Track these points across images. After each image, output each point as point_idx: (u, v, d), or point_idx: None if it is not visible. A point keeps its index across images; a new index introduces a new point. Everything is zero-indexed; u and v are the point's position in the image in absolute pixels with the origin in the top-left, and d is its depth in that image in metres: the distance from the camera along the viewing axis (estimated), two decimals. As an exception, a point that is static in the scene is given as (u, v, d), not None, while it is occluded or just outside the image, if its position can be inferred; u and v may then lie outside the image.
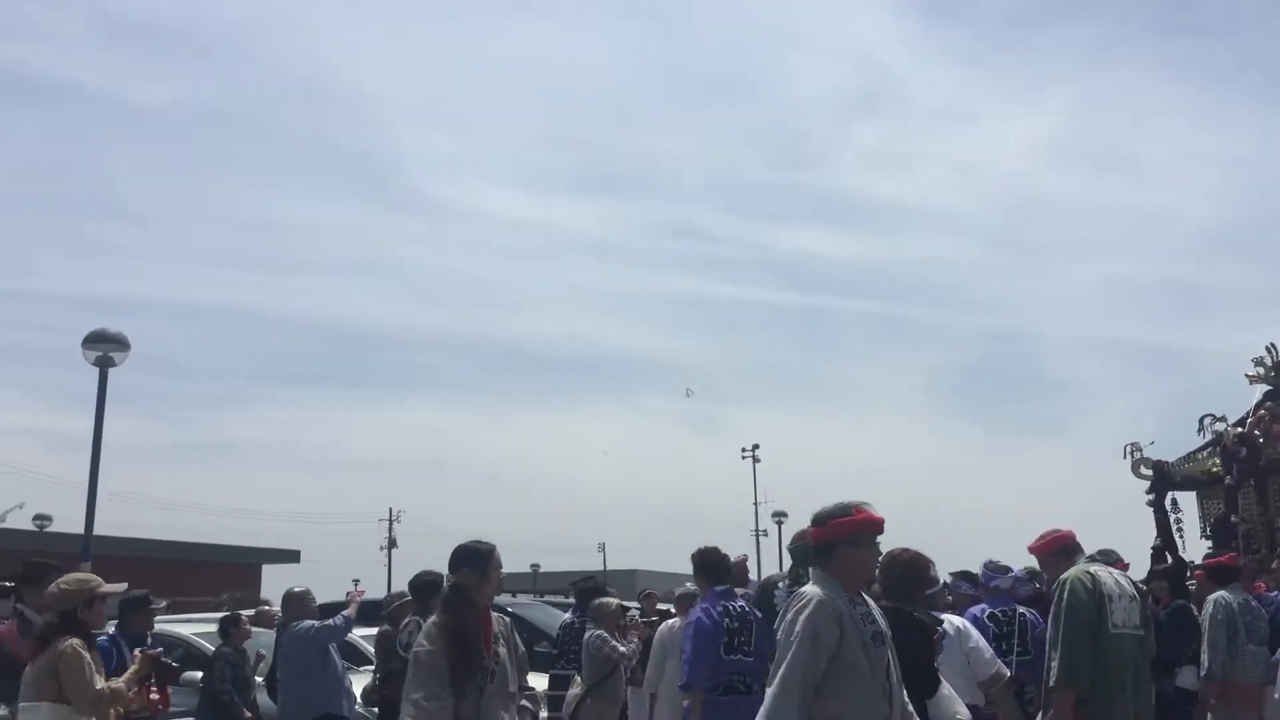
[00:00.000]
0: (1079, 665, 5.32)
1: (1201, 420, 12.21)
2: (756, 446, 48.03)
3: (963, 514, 71.24)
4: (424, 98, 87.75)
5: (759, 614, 6.58)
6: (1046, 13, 79.91)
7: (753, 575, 10.12)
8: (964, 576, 7.52)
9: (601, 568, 53.66)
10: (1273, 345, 12.78)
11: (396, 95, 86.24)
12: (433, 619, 4.80)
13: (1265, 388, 12.28)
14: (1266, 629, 7.86)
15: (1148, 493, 12.93)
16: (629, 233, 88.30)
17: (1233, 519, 11.84)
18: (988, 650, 5.94)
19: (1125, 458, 12.73)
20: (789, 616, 4.00)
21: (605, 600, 8.81)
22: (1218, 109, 75.75)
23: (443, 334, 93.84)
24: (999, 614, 6.76)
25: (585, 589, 9.66)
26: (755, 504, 48.01)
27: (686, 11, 79.30)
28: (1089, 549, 5.92)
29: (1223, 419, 11.95)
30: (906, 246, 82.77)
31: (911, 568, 5.23)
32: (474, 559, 4.91)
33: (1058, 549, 5.85)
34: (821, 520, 4.15)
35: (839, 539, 4.09)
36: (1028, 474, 76.79)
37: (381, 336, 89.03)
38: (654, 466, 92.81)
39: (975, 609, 6.83)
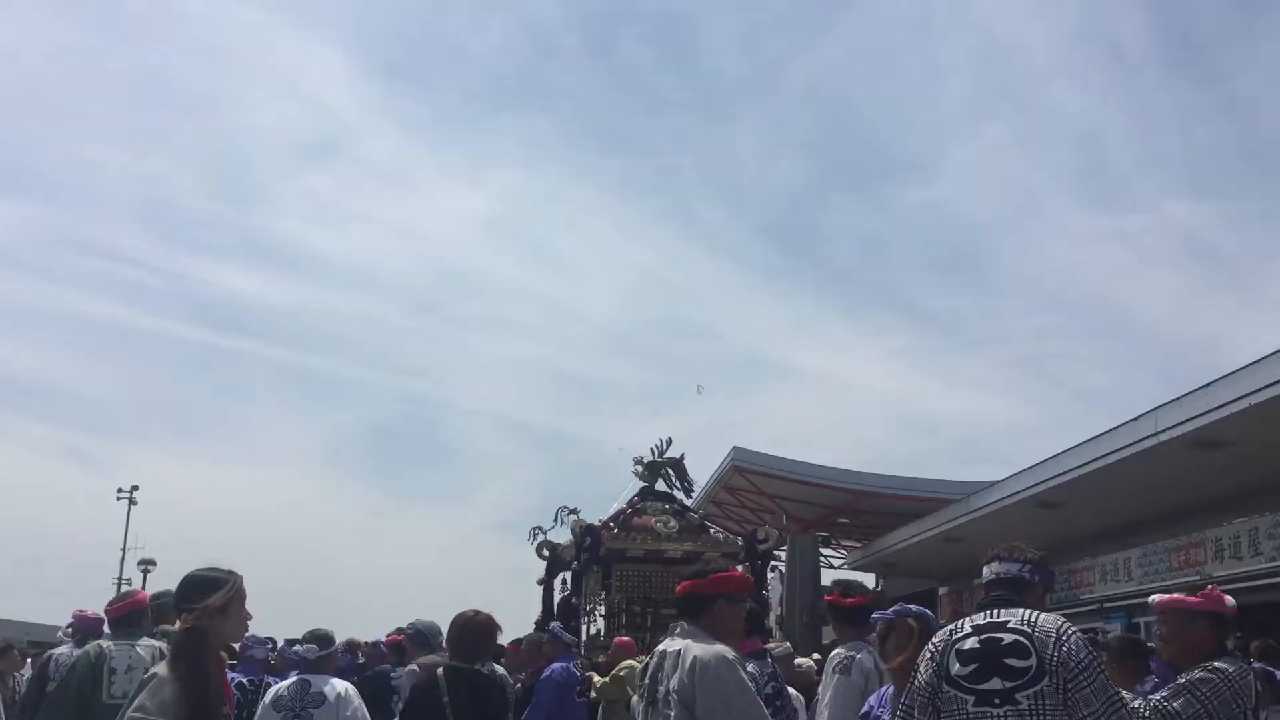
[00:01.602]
0: None
1: (558, 512, 12.83)
2: (135, 488, 43.74)
3: (353, 573, 72.01)
4: None
5: None
6: (500, 98, 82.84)
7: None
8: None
9: None
10: (658, 444, 13.49)
11: None
12: (160, 670, 3.64)
13: (641, 484, 13.14)
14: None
15: (547, 573, 13.39)
16: (24, 239, 73.40)
17: (573, 600, 12.66)
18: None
19: (530, 540, 13.25)
20: (734, 676, 3.80)
21: None
22: (634, 222, 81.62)
23: None
24: (245, 682, 6.88)
25: None
26: (124, 549, 43.61)
27: (133, 20, 72.29)
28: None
29: (575, 511, 12.66)
30: (330, 299, 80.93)
31: (486, 630, 5.27)
32: (214, 590, 3.79)
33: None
34: (702, 574, 4.10)
35: (719, 594, 4.04)
36: (424, 539, 78.41)
37: None
38: (9, 498, 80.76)
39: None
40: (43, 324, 74.79)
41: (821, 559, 32.70)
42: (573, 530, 12.36)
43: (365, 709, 5.93)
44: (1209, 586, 4.89)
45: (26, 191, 74.35)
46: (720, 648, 3.85)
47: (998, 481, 21.64)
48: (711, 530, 12.56)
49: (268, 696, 5.96)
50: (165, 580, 40.92)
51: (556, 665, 8.52)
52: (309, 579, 67.47)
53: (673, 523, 12.29)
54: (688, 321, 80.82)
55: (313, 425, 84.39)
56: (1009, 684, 3.26)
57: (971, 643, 3.39)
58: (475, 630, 5.23)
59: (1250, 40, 61.23)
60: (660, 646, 4.01)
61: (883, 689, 4.56)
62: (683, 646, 3.86)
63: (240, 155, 78.08)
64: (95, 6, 71.76)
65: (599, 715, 8.97)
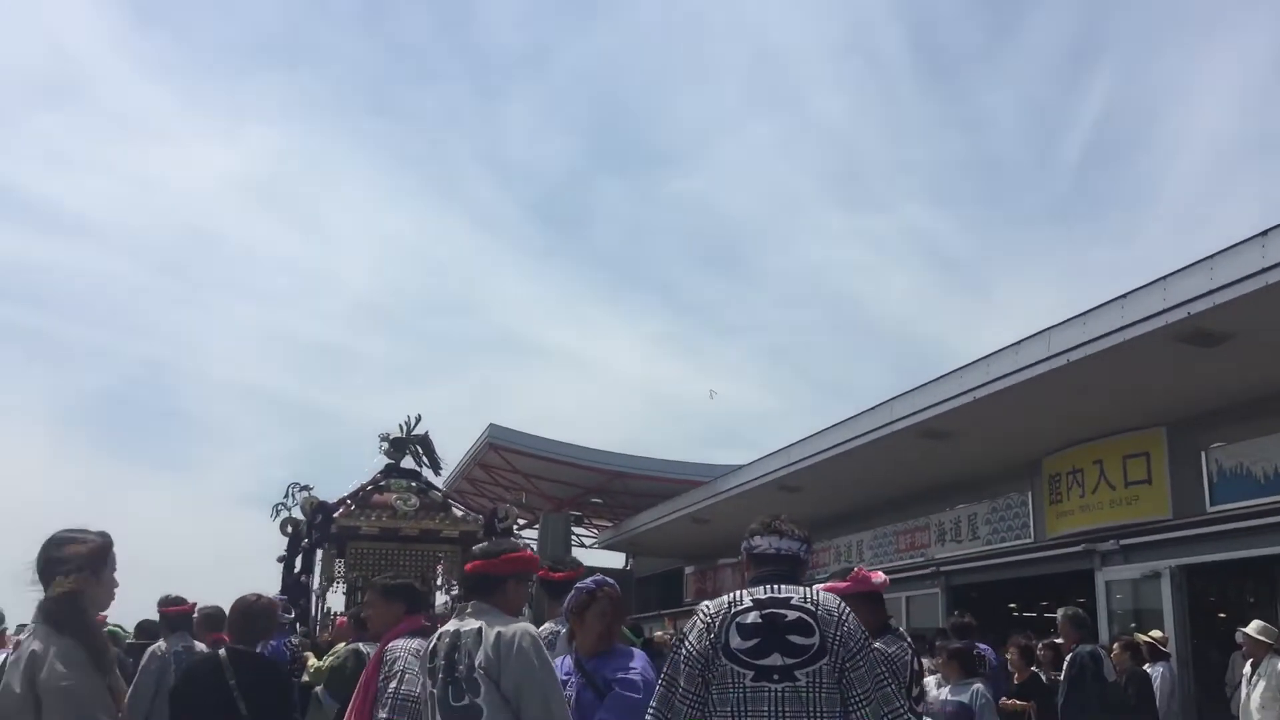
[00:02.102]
0: None
1: (289, 488, 12.80)
2: None
3: None
4: None
5: None
6: (262, 53, 78.27)
7: None
8: None
9: None
10: (406, 421, 13.46)
11: None
12: (57, 643, 3.36)
13: (387, 461, 13.26)
14: None
15: (288, 550, 13.31)
16: None
17: (303, 578, 12.73)
18: None
19: (273, 517, 13.01)
20: (540, 652, 3.78)
21: None
22: (397, 192, 79.48)
23: None
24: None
25: None
26: None
27: None
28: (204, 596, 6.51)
29: (306, 488, 12.58)
30: (62, 253, 72.55)
31: (267, 613, 5.54)
32: (90, 556, 3.57)
33: None
34: (494, 554, 4.09)
35: (510, 574, 4.05)
36: (152, 509, 72.84)
37: None
38: None
39: None
40: None
41: (574, 538, 32.99)
42: (302, 508, 11.93)
43: None
44: (856, 569, 5.12)
45: None
46: (525, 625, 3.88)
47: (743, 466, 22.31)
48: (454, 508, 12.31)
49: None
50: None
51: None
52: (25, 550, 62.75)
53: (413, 500, 12.08)
54: (449, 296, 79.94)
55: (38, 387, 78.38)
56: (789, 660, 3.25)
57: (753, 617, 3.33)
58: (258, 613, 5.42)
59: (995, 61, 65.62)
60: (451, 626, 3.93)
61: (562, 659, 4.49)
62: (482, 624, 3.82)
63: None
64: None
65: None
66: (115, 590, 3.70)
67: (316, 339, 78.10)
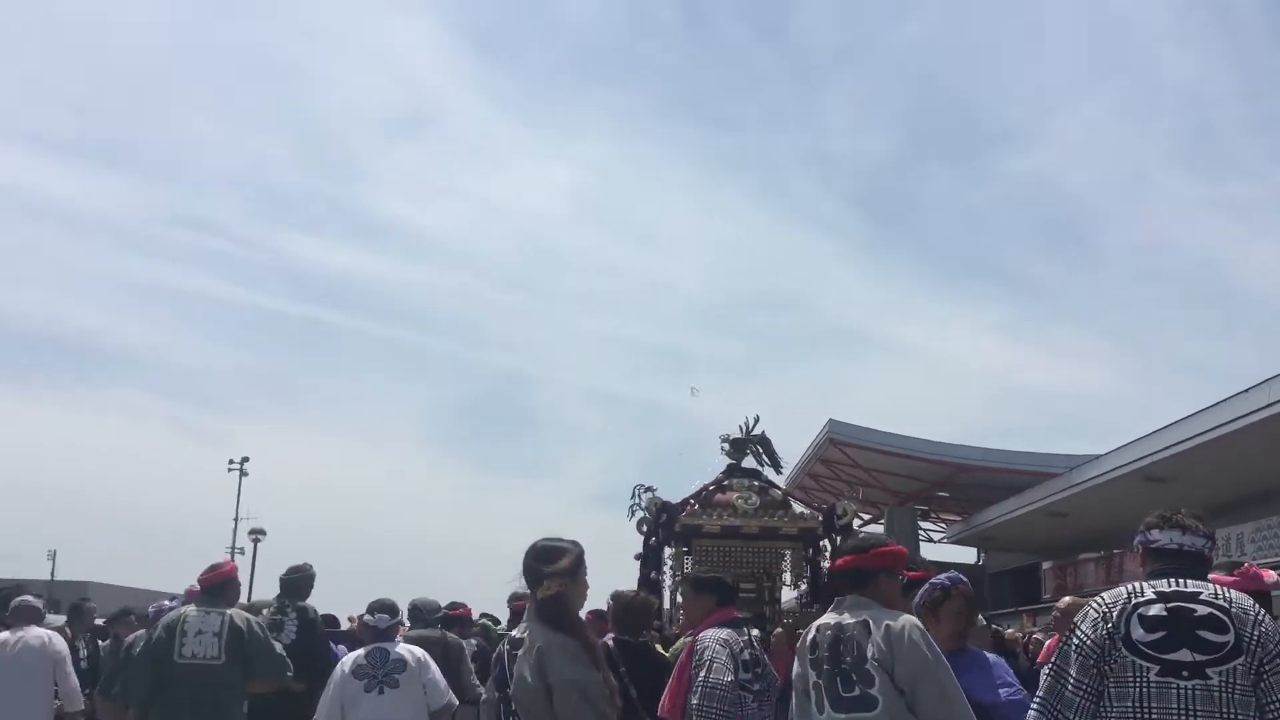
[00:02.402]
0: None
1: (635, 489, 12.79)
2: (246, 460, 44.01)
3: (448, 545, 72.15)
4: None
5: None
6: (586, 72, 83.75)
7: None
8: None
9: (49, 578, 48.98)
10: (745, 422, 13.42)
11: None
12: (558, 640, 3.70)
13: (729, 462, 13.15)
14: None
15: (646, 543, 13.15)
16: (132, 214, 77.65)
17: (653, 575, 12.60)
18: (442, 681, 6.16)
19: (630, 517, 12.83)
20: (925, 640, 3.81)
21: None
22: (725, 196, 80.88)
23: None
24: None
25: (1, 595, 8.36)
26: (236, 520, 43.94)
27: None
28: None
29: (650, 489, 12.64)
30: (425, 274, 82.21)
31: (644, 607, 5.97)
32: (562, 558, 3.91)
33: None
34: (864, 548, 4.19)
35: (880, 568, 4.10)
36: (518, 511, 76.73)
37: None
38: (125, 470, 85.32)
39: None
40: (147, 298, 77.84)
41: (920, 533, 32.20)
42: (647, 508, 12.30)
43: (440, 672, 6.18)
44: (1246, 565, 4.69)
45: (129, 165, 77.45)
46: (911, 617, 3.94)
47: (1101, 455, 21.01)
48: (794, 506, 12.30)
49: (346, 665, 6.03)
50: (276, 549, 42.34)
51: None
52: (408, 550, 68.85)
53: (754, 498, 12.18)
54: (779, 294, 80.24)
55: (410, 399, 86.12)
56: (1200, 657, 3.07)
57: (1157, 609, 3.16)
58: (636, 607, 5.85)
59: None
60: (829, 619, 4.00)
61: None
62: (867, 617, 3.90)
63: (335, 130, 79.80)
64: None
65: None
66: (587, 592, 4.05)
67: (656, 342, 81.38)
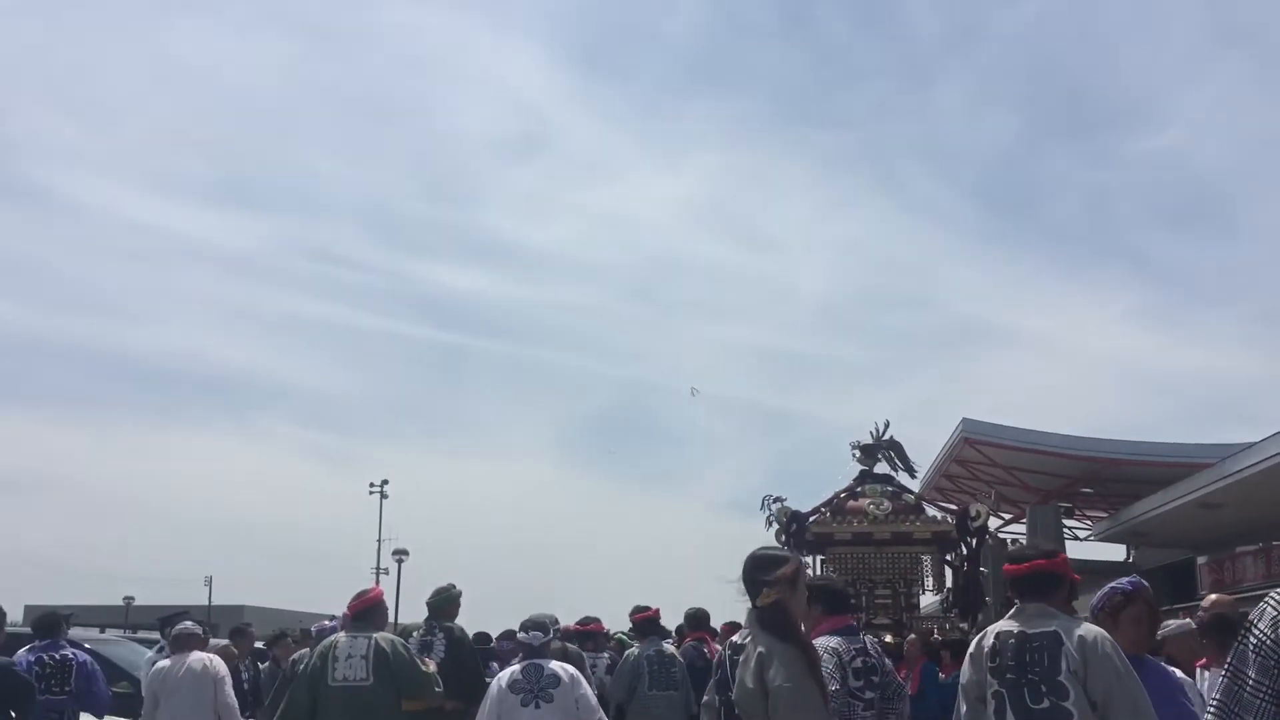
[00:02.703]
0: None
1: (764, 500, 12.64)
2: (386, 482, 45.54)
3: (588, 558, 72.56)
4: (50, 77, 75.63)
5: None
6: (694, 84, 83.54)
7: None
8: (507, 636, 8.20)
9: (206, 602, 50.21)
10: (875, 428, 13.19)
11: (18, 71, 72.80)
12: (779, 649, 3.80)
13: (861, 468, 12.93)
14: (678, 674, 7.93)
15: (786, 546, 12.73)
16: (265, 250, 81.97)
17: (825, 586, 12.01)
18: (593, 698, 6.33)
19: (767, 528, 12.55)
20: (1116, 653, 3.81)
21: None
22: (839, 196, 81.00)
23: (42, 338, 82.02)
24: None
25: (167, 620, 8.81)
26: (379, 541, 45.13)
27: (346, 32, 77.20)
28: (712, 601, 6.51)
29: (779, 500, 12.49)
30: (547, 292, 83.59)
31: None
32: (781, 566, 4.05)
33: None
34: (1053, 553, 4.21)
35: (1067, 573, 4.17)
36: (652, 521, 78.64)
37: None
38: (272, 496, 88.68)
39: None
40: (287, 331, 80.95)
41: (1066, 531, 31.27)
42: (777, 519, 12.29)
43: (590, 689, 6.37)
44: None
45: (259, 204, 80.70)
46: (1099, 628, 3.93)
47: (1257, 443, 20.10)
48: (928, 510, 12.13)
49: (503, 680, 6.25)
50: (418, 568, 43.36)
51: None
52: (547, 566, 69.73)
53: (885, 504, 12.04)
54: (901, 292, 79.17)
55: (540, 415, 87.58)
56: None
57: None
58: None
59: None
60: (1011, 626, 3.98)
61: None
62: (1057, 627, 3.86)
63: (452, 157, 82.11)
64: (304, 25, 77.10)
65: None
66: (805, 600, 4.17)
67: (782, 348, 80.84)
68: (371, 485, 45.73)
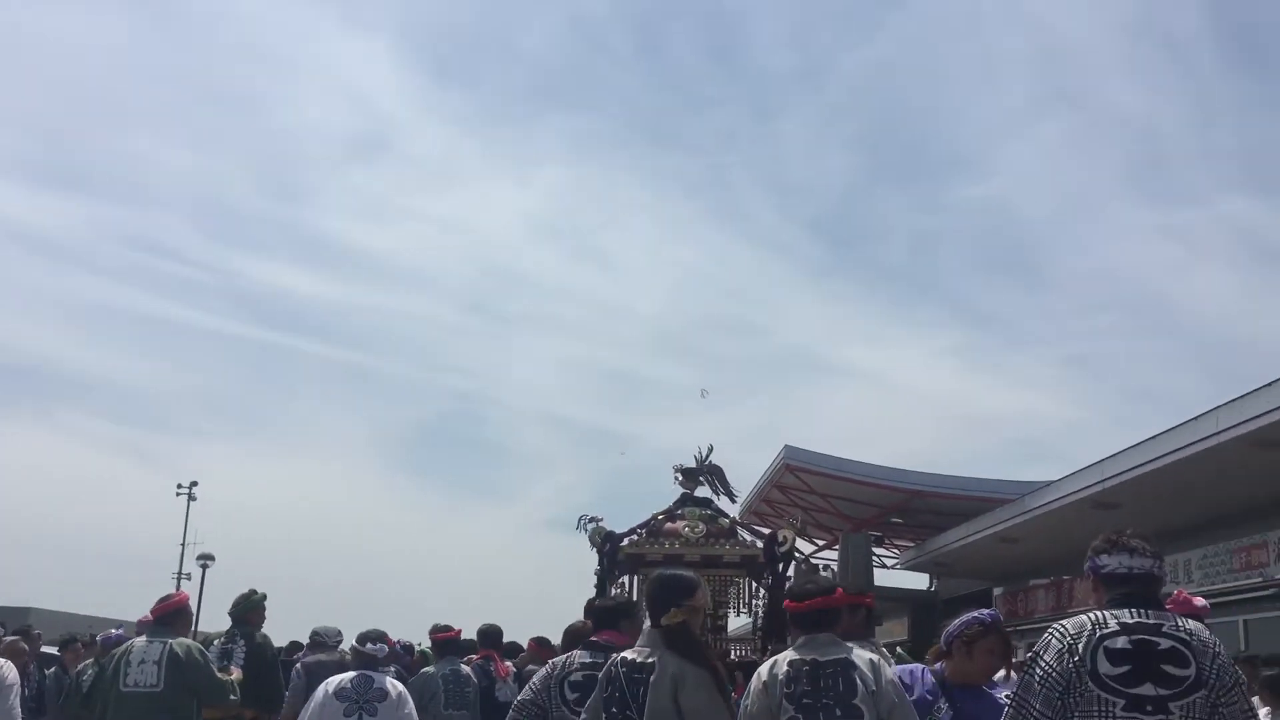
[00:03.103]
0: None
1: (580, 520, 12.71)
2: (195, 484, 43.29)
3: (405, 570, 72.59)
4: None
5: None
6: (546, 99, 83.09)
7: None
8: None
9: None
10: (699, 452, 13.36)
11: None
12: (689, 669, 4.01)
13: (682, 491, 13.06)
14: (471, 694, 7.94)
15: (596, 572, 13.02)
16: (79, 234, 75.35)
17: (595, 602, 12.46)
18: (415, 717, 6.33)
19: (579, 528, 12.70)
20: (895, 678, 4.06)
21: None
22: (682, 220, 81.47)
23: None
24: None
25: None
26: (184, 545, 43.12)
27: (184, 14, 72.73)
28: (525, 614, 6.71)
29: (595, 519, 12.55)
30: (379, 297, 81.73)
31: (581, 633, 5.82)
32: (694, 590, 4.26)
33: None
34: (830, 589, 4.36)
35: (844, 607, 4.39)
36: (475, 534, 78.39)
37: None
38: (70, 492, 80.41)
39: None
40: (99, 320, 76.42)
41: (875, 558, 32.36)
42: (590, 540, 12.37)
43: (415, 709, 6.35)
44: (1176, 592, 4.81)
45: (81, 187, 76.15)
46: (880, 656, 4.18)
47: (1053, 482, 21.22)
48: (740, 534, 12.35)
49: (329, 686, 6.14)
50: (224, 575, 41.83)
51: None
52: (361, 575, 68.19)
53: (701, 527, 12.18)
54: (736, 319, 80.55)
55: (363, 422, 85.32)
56: (1163, 691, 3.09)
57: (1122, 642, 3.16)
58: (572, 634, 6.17)
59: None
60: (800, 655, 4.11)
61: (922, 672, 4.53)
62: (846, 655, 4.06)
63: (289, 152, 79.34)
64: (140, 4, 73.22)
65: None
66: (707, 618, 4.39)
67: (614, 367, 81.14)
68: (180, 486, 43.54)
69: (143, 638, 6.37)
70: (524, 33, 79.79)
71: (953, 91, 72.08)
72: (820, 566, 31.37)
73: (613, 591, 12.01)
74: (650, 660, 4.07)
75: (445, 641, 8.14)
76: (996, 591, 28.73)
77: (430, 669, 7.94)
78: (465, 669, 7.94)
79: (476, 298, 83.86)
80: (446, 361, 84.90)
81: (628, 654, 4.20)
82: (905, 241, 78.82)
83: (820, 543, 34.70)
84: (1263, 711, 8.07)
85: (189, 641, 6.52)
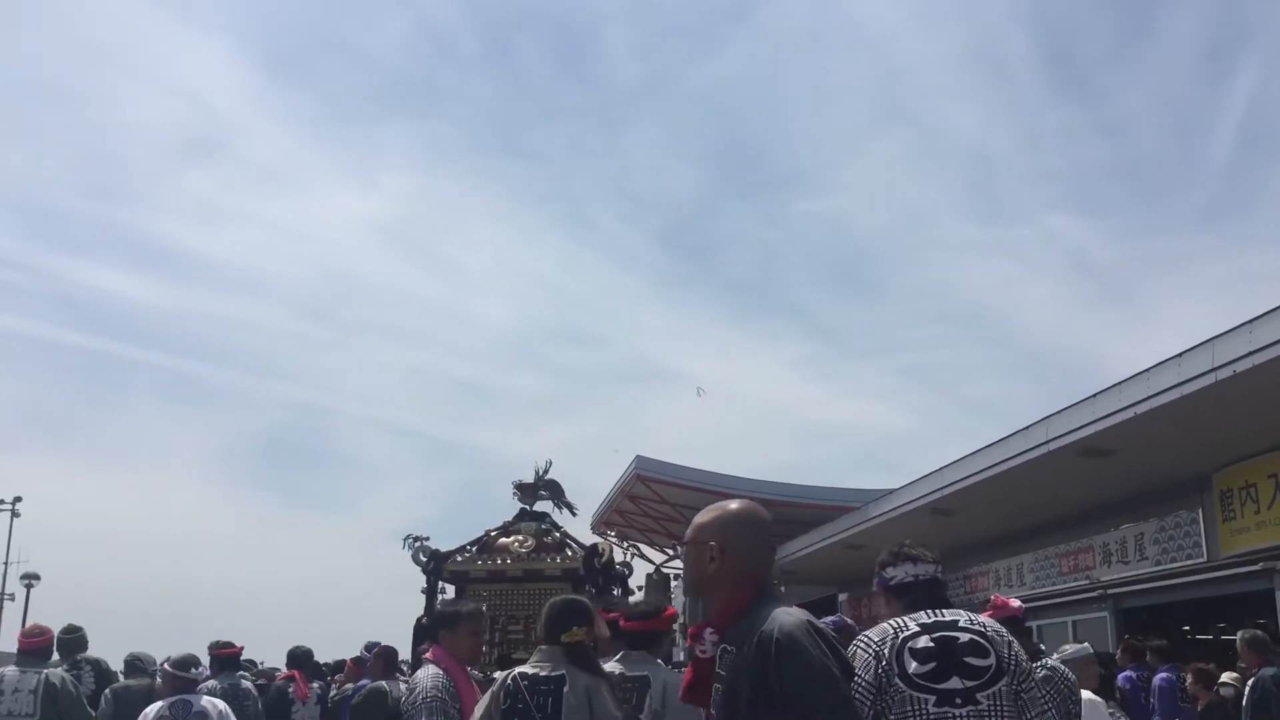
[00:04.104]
0: None
1: (405, 539, 12.92)
2: (18, 499, 41.27)
3: (242, 585, 72.03)
4: None
5: None
6: (391, 103, 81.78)
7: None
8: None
9: None
10: (538, 466, 13.57)
11: None
12: (595, 682, 4.35)
13: (521, 506, 13.37)
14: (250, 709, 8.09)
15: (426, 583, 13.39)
16: None
17: (422, 620, 12.48)
18: None
19: (405, 548, 12.99)
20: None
21: None
22: (528, 228, 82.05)
23: None
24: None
25: None
26: (5, 564, 41.46)
27: (8, 5, 67.39)
28: (365, 629, 6.81)
29: (420, 539, 12.78)
30: (213, 303, 77.88)
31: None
32: (590, 617, 4.58)
33: None
34: (654, 614, 4.94)
35: (665, 630, 4.95)
36: (316, 548, 77.88)
37: None
38: None
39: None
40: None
41: (725, 567, 32.53)
42: (414, 558, 12.14)
43: None
44: (993, 597, 5.20)
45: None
46: (678, 678, 4.36)
47: (894, 490, 21.67)
48: (569, 548, 12.26)
49: (149, 715, 6.13)
50: (51, 594, 39.68)
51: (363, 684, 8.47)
52: (194, 593, 65.58)
53: (530, 541, 12.05)
54: (583, 329, 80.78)
55: (195, 433, 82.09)
56: (969, 683, 3.21)
57: (925, 641, 3.27)
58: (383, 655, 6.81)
59: (1131, 62, 62.98)
60: (612, 668, 4.63)
61: None
62: (648, 672, 4.64)
63: (117, 152, 75.42)
64: None
65: None
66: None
67: (458, 376, 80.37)
68: (1, 502, 41.32)
69: (12, 667, 6.79)
70: (369, 34, 78.23)
71: (795, 108, 73.76)
72: (671, 577, 31.51)
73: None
74: (556, 674, 4.32)
75: (226, 657, 8.28)
76: (842, 597, 29.26)
77: (211, 683, 7.92)
78: (246, 683, 8.19)
79: (316, 305, 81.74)
80: (284, 370, 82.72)
81: (526, 669, 4.41)
82: (751, 254, 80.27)
83: (670, 553, 34.83)
84: (1085, 693, 8.34)
85: (63, 673, 7.05)
